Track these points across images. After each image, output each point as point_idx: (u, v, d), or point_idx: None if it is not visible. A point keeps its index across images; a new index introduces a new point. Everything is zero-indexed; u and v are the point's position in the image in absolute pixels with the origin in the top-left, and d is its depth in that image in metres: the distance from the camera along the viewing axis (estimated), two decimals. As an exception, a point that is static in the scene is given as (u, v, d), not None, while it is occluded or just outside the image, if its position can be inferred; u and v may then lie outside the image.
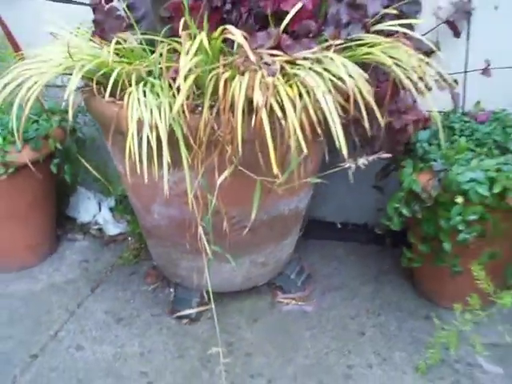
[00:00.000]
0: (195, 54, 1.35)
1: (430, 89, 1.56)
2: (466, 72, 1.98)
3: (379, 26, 1.62)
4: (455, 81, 1.84)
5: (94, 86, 1.55)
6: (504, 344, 1.70)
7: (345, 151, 1.30)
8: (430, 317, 1.85)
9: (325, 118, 1.34)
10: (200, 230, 1.52)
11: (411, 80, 1.47)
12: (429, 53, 1.89)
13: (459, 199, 1.62)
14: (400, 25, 1.62)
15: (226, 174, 1.41)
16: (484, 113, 1.90)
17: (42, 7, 2.19)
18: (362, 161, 1.28)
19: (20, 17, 2.19)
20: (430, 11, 1.95)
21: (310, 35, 1.55)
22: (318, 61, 1.40)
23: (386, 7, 1.71)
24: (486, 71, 1.92)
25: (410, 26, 1.71)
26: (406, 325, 1.88)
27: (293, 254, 2.02)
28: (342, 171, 1.52)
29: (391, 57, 1.48)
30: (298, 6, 1.52)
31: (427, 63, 1.55)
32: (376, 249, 2.23)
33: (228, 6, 1.63)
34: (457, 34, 1.97)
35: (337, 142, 1.31)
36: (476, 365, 1.72)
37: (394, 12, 1.68)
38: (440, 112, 1.90)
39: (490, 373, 1.71)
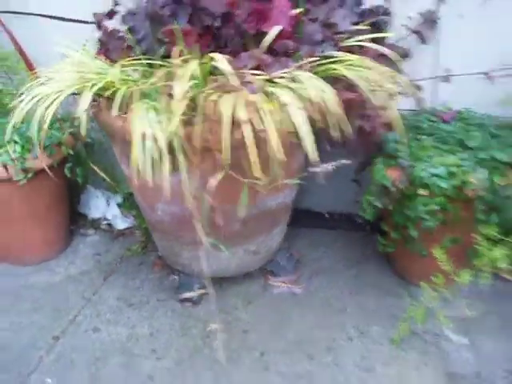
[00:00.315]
0: (189, 79, 1.58)
1: (393, 96, 1.79)
2: (436, 77, 2.21)
3: (349, 42, 1.85)
4: (418, 86, 2.07)
5: (103, 102, 1.77)
6: (468, 317, 1.95)
7: (315, 158, 1.53)
8: (403, 295, 2.08)
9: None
10: (198, 224, 1.75)
11: (373, 91, 1.70)
12: (401, 59, 2.14)
13: (423, 192, 1.85)
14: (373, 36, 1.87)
15: (217, 177, 1.64)
16: (449, 112, 2.12)
17: (47, 24, 2.42)
18: (327, 166, 1.51)
19: (27, 34, 2.40)
20: (401, 21, 2.17)
21: (289, 53, 1.78)
22: (293, 78, 1.63)
23: (358, 23, 1.95)
24: (446, 78, 2.15)
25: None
26: (383, 302, 2.11)
27: (282, 242, 2.25)
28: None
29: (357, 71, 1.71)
30: (278, 28, 1.75)
31: (390, 74, 1.77)
32: (359, 235, 2.46)
33: (218, 24, 1.85)
34: (424, 42, 2.19)
35: (308, 150, 1.53)
36: (442, 336, 1.97)
37: (365, 28, 1.93)
38: (410, 111, 2.14)
39: (455, 342, 1.95)
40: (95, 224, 2.66)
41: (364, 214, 1.99)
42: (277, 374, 1.86)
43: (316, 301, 2.15)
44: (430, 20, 2.19)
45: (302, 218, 2.47)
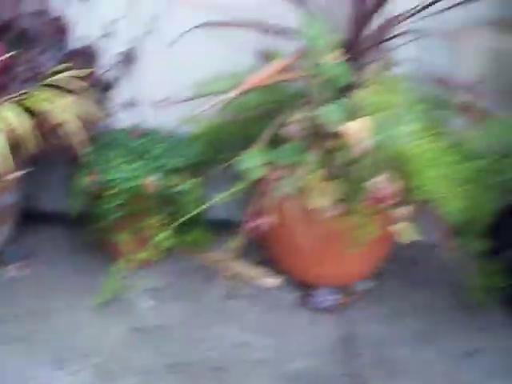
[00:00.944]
0: None
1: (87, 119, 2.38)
2: (128, 103, 2.84)
3: (53, 80, 2.41)
4: (109, 113, 2.70)
5: None
6: (154, 287, 2.64)
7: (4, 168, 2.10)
8: (107, 272, 2.63)
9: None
10: None
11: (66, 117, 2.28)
12: (107, 88, 2.75)
13: (111, 191, 2.46)
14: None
15: None
16: (139, 130, 2.75)
17: None
18: (16, 173, 2.10)
19: None
20: (110, 57, 2.78)
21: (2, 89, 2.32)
22: (-1, 109, 2.18)
23: (66, 62, 2.51)
24: (132, 104, 2.80)
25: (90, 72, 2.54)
26: (93, 280, 2.63)
27: (15, 235, 2.75)
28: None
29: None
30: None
31: (81, 103, 2.36)
32: (84, 229, 2.97)
33: None
34: (126, 74, 2.81)
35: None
36: (134, 301, 2.59)
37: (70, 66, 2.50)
38: (108, 130, 2.75)
39: (144, 306, 2.58)
40: None
41: (73, 211, 2.56)
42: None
43: (41, 281, 2.67)
44: (131, 57, 2.81)
45: (32, 216, 2.92)
